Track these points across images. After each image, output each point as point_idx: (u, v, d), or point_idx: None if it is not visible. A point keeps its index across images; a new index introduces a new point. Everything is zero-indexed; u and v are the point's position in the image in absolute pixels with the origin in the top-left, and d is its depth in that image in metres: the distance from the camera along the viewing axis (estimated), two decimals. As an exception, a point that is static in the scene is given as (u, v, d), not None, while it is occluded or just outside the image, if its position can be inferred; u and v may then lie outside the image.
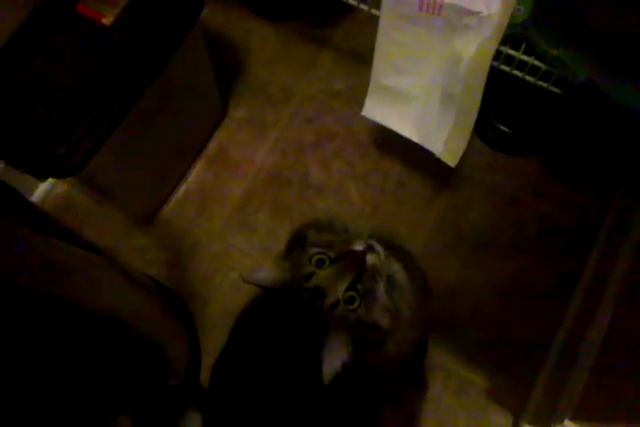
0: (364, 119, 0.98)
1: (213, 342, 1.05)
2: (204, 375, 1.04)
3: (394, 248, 0.75)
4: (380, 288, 0.69)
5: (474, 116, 0.88)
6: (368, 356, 0.71)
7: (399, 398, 0.98)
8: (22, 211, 0.76)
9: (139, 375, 0.78)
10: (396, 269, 0.73)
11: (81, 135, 0.78)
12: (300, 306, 0.68)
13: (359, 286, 0.67)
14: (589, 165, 1.15)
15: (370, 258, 0.68)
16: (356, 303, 0.67)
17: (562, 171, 1.16)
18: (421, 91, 0.91)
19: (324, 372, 0.64)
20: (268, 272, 0.71)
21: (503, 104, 1.17)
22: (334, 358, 0.65)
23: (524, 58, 0.84)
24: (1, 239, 0.62)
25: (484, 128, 1.20)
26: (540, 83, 0.90)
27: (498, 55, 0.84)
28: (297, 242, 0.72)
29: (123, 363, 0.74)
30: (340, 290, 0.67)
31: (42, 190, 1.19)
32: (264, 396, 0.77)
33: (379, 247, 0.70)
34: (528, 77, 0.91)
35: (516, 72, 0.91)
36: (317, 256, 0.69)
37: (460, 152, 0.90)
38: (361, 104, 0.97)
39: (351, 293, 0.67)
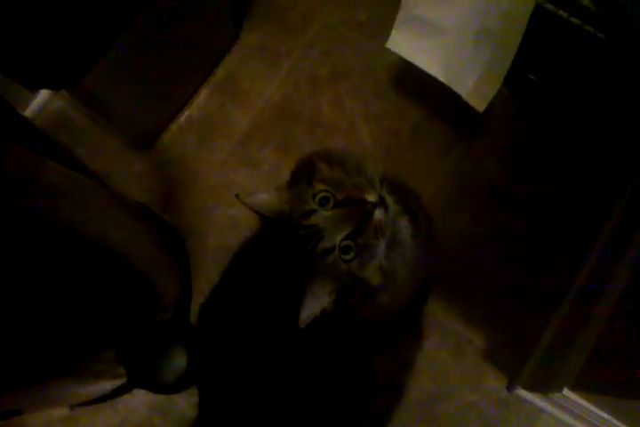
0: (384, 56, 0.91)
1: (206, 278, 1.01)
2: (194, 312, 1.01)
3: (404, 192, 0.70)
4: (381, 247, 0.64)
5: (511, 57, 0.81)
6: (357, 307, 0.68)
7: (394, 346, 0.96)
8: (12, 124, 0.70)
9: (125, 307, 0.74)
10: (403, 226, 0.68)
11: (77, 44, 0.71)
12: (293, 243, 0.63)
13: (359, 239, 0.63)
14: (616, 130, 1.07)
15: (378, 214, 0.63)
16: (352, 254, 0.63)
17: (586, 132, 1.09)
18: (455, 24, 0.83)
19: (300, 315, 0.61)
20: (267, 198, 0.66)
21: (535, 51, 1.08)
22: (314, 304, 0.62)
23: (574, -4, 0.77)
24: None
25: (510, 75, 1.11)
26: (586, 26, 0.83)
27: (544, -9, 0.76)
28: (304, 172, 0.67)
29: (109, 292, 0.70)
30: (338, 236, 0.62)
31: (35, 106, 1.11)
32: (250, 337, 0.74)
33: (390, 201, 0.65)
34: (573, 19, 0.83)
35: (562, 13, 0.83)
36: (322, 194, 0.64)
37: (490, 96, 0.84)
38: (383, 39, 0.89)
39: (348, 242, 0.63)
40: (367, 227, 0.63)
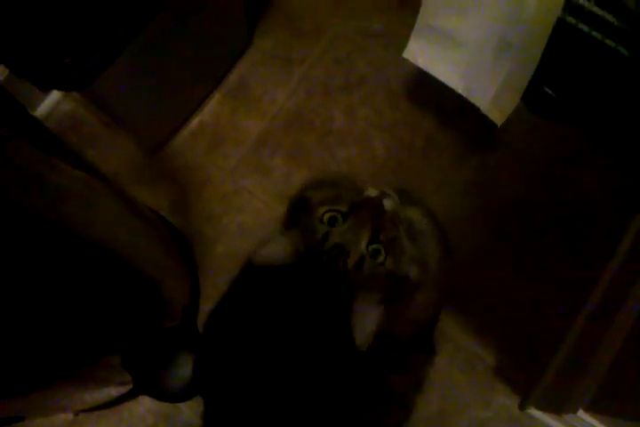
0: (399, 66, 0.90)
1: (214, 286, 1.01)
2: (201, 319, 1.00)
3: (413, 203, 0.70)
4: (403, 236, 0.64)
5: (531, 70, 0.79)
6: (396, 318, 0.67)
7: (407, 366, 0.95)
8: (22, 124, 0.69)
9: (133, 312, 0.73)
10: (416, 214, 0.68)
11: (92, 45, 0.70)
12: (322, 271, 0.62)
13: (381, 237, 0.62)
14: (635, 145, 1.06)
15: (387, 203, 0.63)
16: (382, 256, 0.62)
17: (604, 147, 1.07)
18: (475, 35, 0.81)
19: (357, 340, 0.59)
20: (276, 247, 0.64)
21: (552, 64, 1.07)
22: (366, 321, 0.60)
23: (596, 10, 0.75)
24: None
25: (527, 89, 1.10)
26: (607, 41, 0.81)
27: (565, 4, 0.75)
28: (299, 208, 0.66)
29: (117, 297, 0.68)
30: (362, 244, 0.61)
31: (46, 106, 1.10)
32: (258, 348, 0.72)
33: (391, 192, 0.64)
34: (595, 33, 0.82)
35: (583, 26, 0.82)
36: (328, 214, 0.63)
37: (509, 110, 0.82)
38: (398, 48, 0.88)
39: (375, 245, 0.62)
40: (383, 222, 0.62)
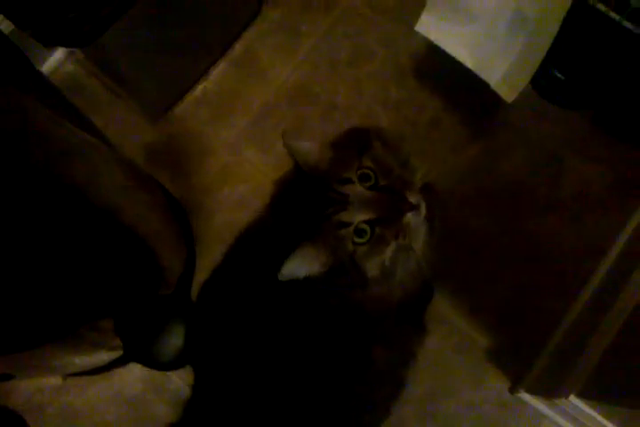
0: (409, 41, 0.87)
1: (210, 256, 0.98)
2: (195, 289, 0.98)
3: (433, 197, 0.68)
4: (391, 247, 0.63)
5: (546, 47, 0.78)
6: (349, 292, 0.67)
7: (394, 341, 0.94)
8: (30, 80, 0.67)
9: (128, 277, 0.72)
10: (421, 233, 0.66)
11: (97, 1, 0.68)
12: (313, 200, 0.62)
13: (378, 229, 0.62)
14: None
15: (409, 216, 0.62)
16: (363, 240, 0.61)
17: (613, 132, 1.06)
18: (489, 8, 0.79)
19: (282, 267, 0.59)
20: (309, 147, 0.64)
21: (563, 47, 1.05)
22: (301, 263, 0.61)
23: (616, -12, 0.73)
24: (3, 106, 0.54)
25: (536, 73, 1.08)
26: (625, 22, 0.79)
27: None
28: (357, 141, 0.66)
29: (113, 261, 0.67)
30: (360, 216, 0.61)
31: (48, 67, 1.05)
32: (249, 319, 0.72)
33: (423, 208, 0.63)
34: (612, 14, 0.80)
35: (601, 6, 0.80)
36: (367, 171, 0.62)
37: (520, 87, 0.81)
38: (409, 23, 0.86)
39: (367, 227, 0.61)
40: (392, 223, 0.62)
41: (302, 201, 0.63)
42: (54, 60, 1.07)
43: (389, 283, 0.67)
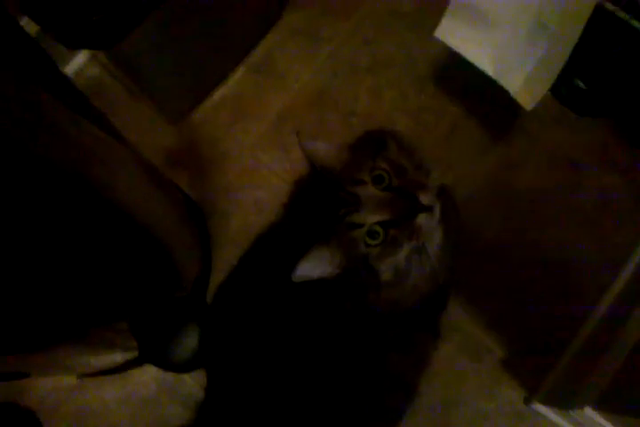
0: (428, 48, 0.87)
1: (226, 259, 0.99)
2: (210, 292, 0.99)
3: (448, 200, 0.67)
4: (405, 250, 0.62)
5: (566, 55, 0.77)
6: (363, 295, 0.66)
7: (409, 347, 0.93)
8: (53, 80, 0.68)
9: (145, 279, 0.72)
10: (436, 236, 0.65)
11: (121, 4, 0.69)
12: (327, 201, 0.61)
13: (391, 231, 0.61)
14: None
15: (422, 218, 0.61)
16: (376, 242, 0.61)
17: (633, 140, 1.05)
18: (510, 15, 0.79)
19: (295, 269, 0.59)
20: (325, 148, 0.65)
21: (585, 55, 1.04)
22: (315, 264, 0.60)
23: (640, -4, 0.73)
24: (24, 104, 0.54)
25: (557, 81, 1.07)
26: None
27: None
28: (373, 143, 0.65)
29: (130, 262, 0.68)
30: (372, 217, 0.60)
31: (71, 70, 1.09)
32: (264, 323, 0.72)
33: (437, 210, 0.62)
34: (635, 22, 0.80)
35: (622, 14, 0.80)
36: (380, 172, 0.62)
37: (539, 95, 0.80)
38: (428, 30, 0.86)
39: (379, 229, 0.61)
40: (404, 225, 0.61)
41: (317, 202, 0.63)
42: (78, 63, 1.10)
43: (403, 287, 0.66)
